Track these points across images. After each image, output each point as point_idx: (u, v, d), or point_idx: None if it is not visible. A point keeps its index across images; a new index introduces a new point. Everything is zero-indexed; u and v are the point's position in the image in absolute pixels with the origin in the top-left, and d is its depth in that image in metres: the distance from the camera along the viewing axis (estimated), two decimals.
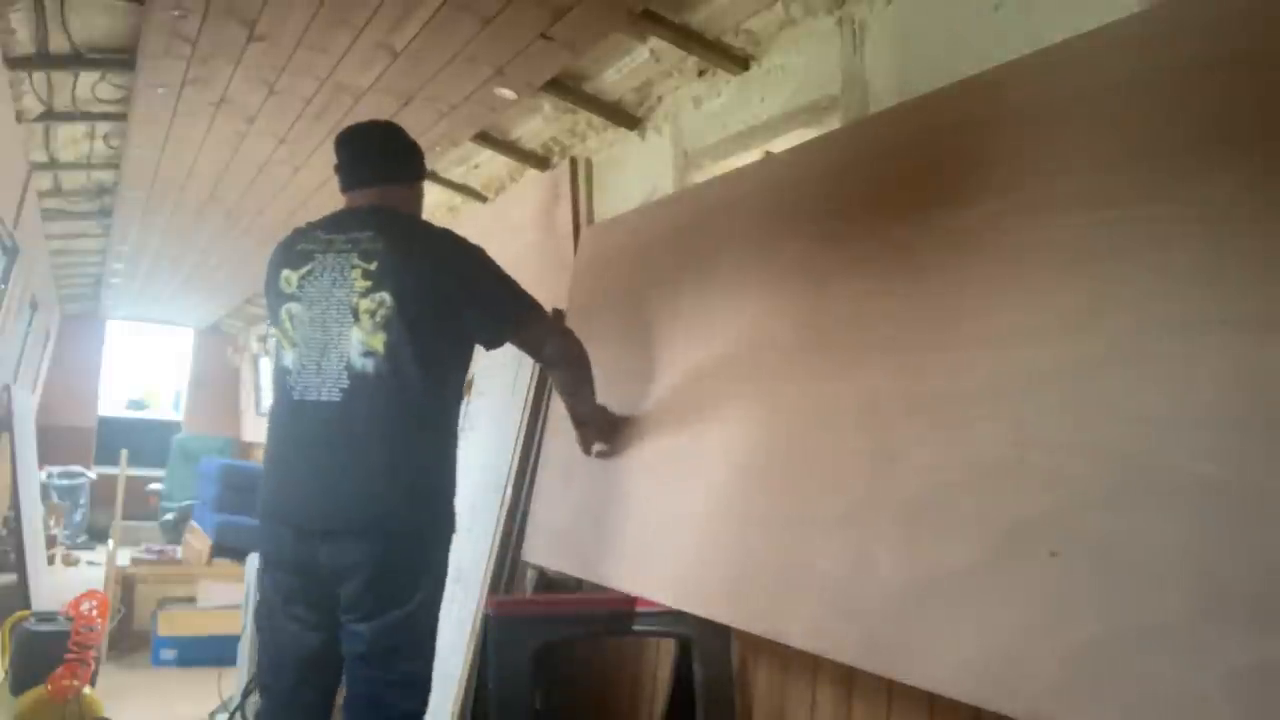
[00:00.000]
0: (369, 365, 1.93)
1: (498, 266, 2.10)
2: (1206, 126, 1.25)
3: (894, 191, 1.77)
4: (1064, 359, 1.35)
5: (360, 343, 1.93)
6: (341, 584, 1.92)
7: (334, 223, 2.07)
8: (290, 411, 2.00)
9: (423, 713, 1.98)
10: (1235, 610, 1.05)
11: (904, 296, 1.66)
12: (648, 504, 2.23)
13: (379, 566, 1.90)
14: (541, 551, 2.70)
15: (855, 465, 1.65)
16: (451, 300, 1.99)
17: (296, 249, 2.06)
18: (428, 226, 2.15)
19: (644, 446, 2.31)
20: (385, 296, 1.93)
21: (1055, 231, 1.41)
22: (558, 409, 2.83)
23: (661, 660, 2.57)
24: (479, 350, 2.21)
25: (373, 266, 1.95)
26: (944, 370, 1.53)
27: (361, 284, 1.95)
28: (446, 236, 2.09)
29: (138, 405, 10.86)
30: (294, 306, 2.02)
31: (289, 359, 2.01)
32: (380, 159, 2.15)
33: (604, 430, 2.39)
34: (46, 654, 3.24)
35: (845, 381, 1.74)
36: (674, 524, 2.11)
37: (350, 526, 1.91)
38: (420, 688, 1.99)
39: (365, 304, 1.94)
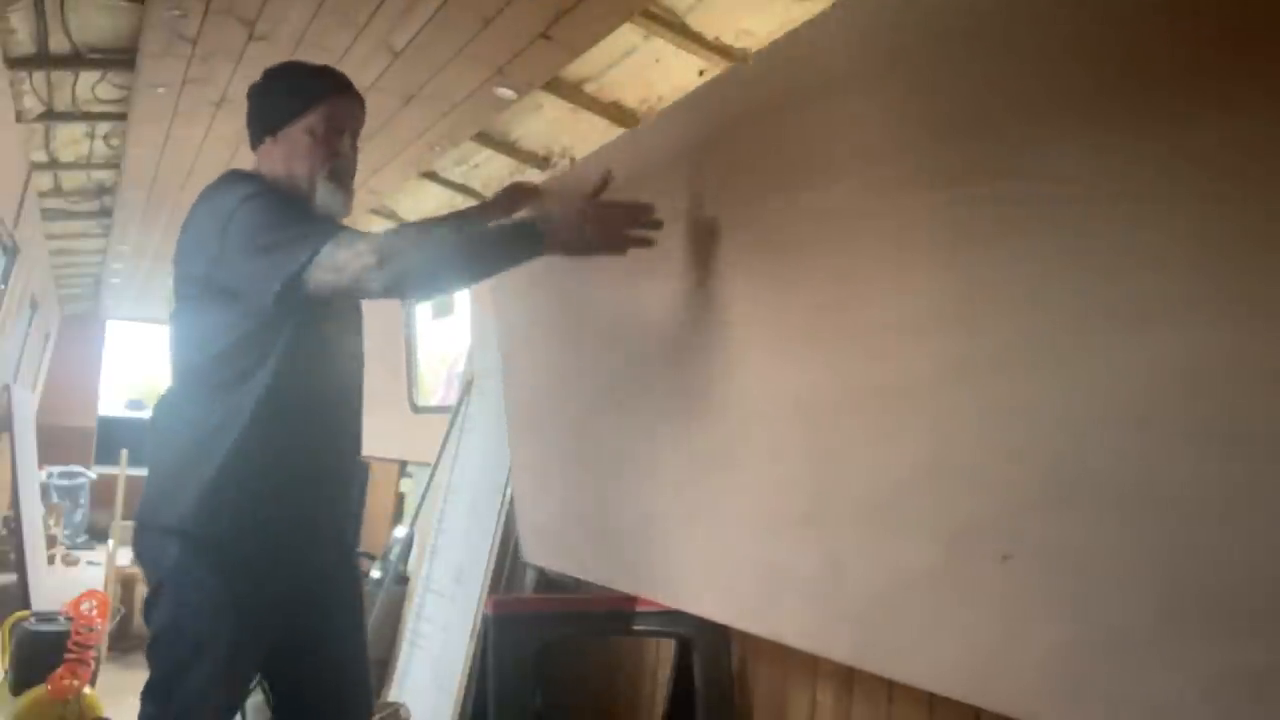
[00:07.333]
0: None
1: (255, 217, 1.63)
2: (1052, 86, 1.08)
3: (746, 174, 1.59)
4: (956, 356, 1.24)
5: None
6: None
7: None
8: None
9: None
10: (1195, 616, 1.00)
11: (795, 284, 1.53)
12: (623, 502, 2.17)
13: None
14: (535, 551, 2.69)
15: (802, 464, 1.57)
16: (197, 264, 1.68)
17: None
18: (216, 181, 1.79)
19: (614, 445, 2.22)
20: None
21: (917, 213, 1.27)
22: (516, 408, 2.72)
23: (661, 660, 2.57)
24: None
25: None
26: (860, 361, 1.42)
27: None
28: (212, 184, 1.76)
29: (138, 405, 10.85)
30: None
31: None
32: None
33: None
34: (46, 654, 3.23)
35: (771, 378, 1.62)
36: (651, 522, 2.05)
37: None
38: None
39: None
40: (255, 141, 1.83)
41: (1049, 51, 1.08)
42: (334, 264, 1.53)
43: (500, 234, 1.64)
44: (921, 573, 1.34)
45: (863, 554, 1.45)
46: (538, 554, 2.68)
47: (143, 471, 1.79)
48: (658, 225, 1.64)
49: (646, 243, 1.65)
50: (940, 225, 1.25)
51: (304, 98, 1.77)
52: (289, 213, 1.66)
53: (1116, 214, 1.03)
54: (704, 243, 1.73)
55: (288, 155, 1.77)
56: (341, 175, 1.79)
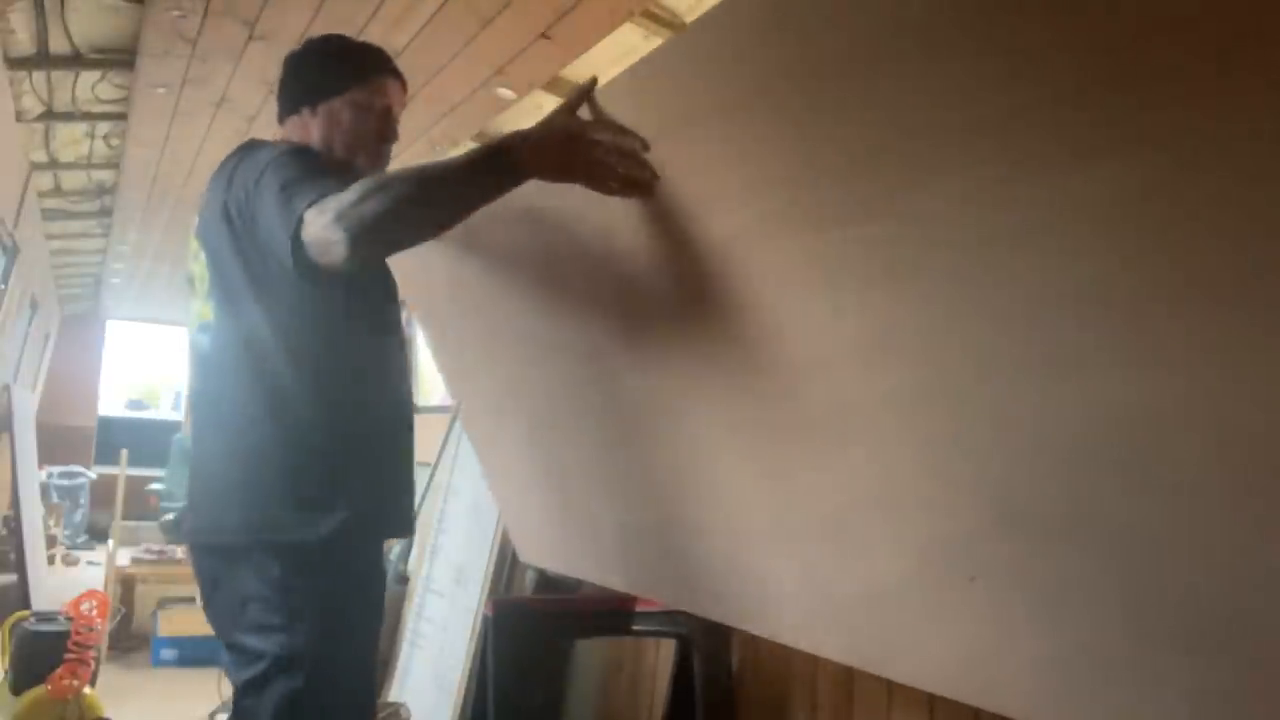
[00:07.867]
0: (204, 341, 1.60)
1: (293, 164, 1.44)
2: (933, 121, 0.99)
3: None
4: (880, 390, 1.22)
5: (197, 315, 1.62)
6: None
7: None
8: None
9: None
10: (1162, 635, 1.01)
11: (712, 313, 1.43)
12: (596, 508, 2.10)
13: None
14: (525, 551, 2.67)
15: (751, 487, 1.54)
16: (239, 228, 1.49)
17: None
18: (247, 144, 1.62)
19: (574, 455, 2.12)
20: (201, 253, 1.58)
21: (817, 251, 1.21)
22: (471, 419, 2.61)
23: (661, 660, 2.57)
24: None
25: (199, 219, 1.62)
26: (781, 392, 1.38)
27: (193, 244, 1.62)
28: (231, 155, 1.58)
29: (138, 405, 10.88)
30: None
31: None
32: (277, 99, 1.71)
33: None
34: (46, 654, 3.23)
35: (697, 406, 1.57)
36: (624, 528, 2.02)
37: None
38: None
39: (195, 268, 1.61)
40: (287, 112, 1.66)
41: (930, 90, 0.99)
42: (308, 229, 1.30)
43: (469, 159, 1.33)
44: (895, 583, 1.34)
45: (834, 565, 1.44)
46: (528, 554, 2.67)
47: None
48: (654, 174, 1.34)
49: (641, 189, 1.35)
50: (832, 264, 1.20)
51: (356, 72, 1.63)
52: (317, 169, 1.46)
53: (1008, 258, 0.99)
54: (620, 257, 1.58)
55: (326, 129, 1.61)
56: (382, 158, 1.65)
